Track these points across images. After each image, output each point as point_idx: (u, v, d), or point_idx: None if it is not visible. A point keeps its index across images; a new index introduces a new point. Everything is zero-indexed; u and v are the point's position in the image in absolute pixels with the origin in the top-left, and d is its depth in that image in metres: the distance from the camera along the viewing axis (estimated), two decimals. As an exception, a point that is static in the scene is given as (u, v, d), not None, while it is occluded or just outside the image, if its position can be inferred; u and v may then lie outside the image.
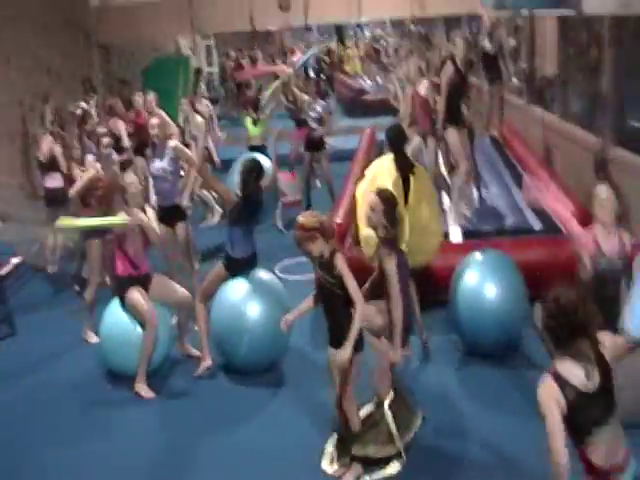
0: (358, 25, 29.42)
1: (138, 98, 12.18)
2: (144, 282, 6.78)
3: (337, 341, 4.89)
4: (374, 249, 5.41)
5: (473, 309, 6.59)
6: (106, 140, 8.33)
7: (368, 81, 23.72)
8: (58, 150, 9.57)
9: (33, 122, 13.19)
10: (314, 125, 11.59)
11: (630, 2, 7.50)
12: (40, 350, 7.74)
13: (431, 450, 5.43)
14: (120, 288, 6.80)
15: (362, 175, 7.13)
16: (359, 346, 4.94)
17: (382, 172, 6.75)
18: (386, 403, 5.22)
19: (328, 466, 5.27)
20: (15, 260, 9.84)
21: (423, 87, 10.24)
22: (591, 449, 3.37)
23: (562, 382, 3.31)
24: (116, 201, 6.80)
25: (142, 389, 6.62)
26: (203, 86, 20.02)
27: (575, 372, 3.32)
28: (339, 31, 29.90)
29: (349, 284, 4.76)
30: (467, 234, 8.59)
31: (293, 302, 5.63)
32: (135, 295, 6.67)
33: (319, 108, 11.65)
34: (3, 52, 12.89)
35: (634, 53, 8.98)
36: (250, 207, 6.80)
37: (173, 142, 8.07)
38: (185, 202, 8.38)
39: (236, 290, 6.74)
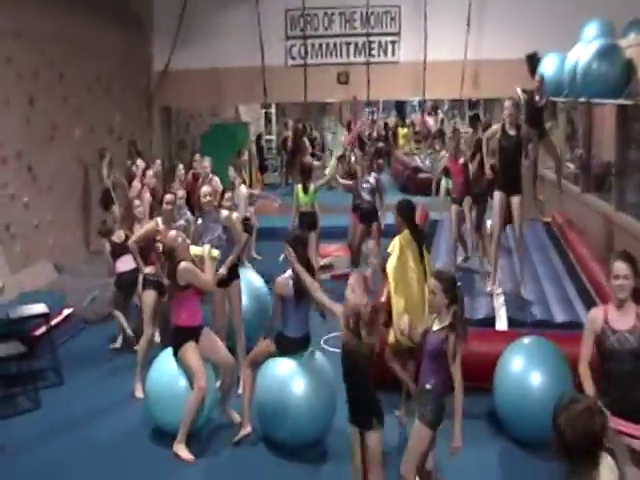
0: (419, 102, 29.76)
1: (194, 163, 12.52)
2: (199, 335, 6.81)
3: (362, 418, 4.89)
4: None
5: (517, 395, 6.55)
6: (168, 197, 8.47)
7: (423, 160, 23.95)
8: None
9: (93, 178, 13.52)
10: (367, 197, 11.69)
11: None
12: (86, 402, 7.81)
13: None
14: (178, 339, 6.78)
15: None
16: (382, 421, 4.93)
17: (402, 245, 6.88)
18: None
19: None
20: (67, 311, 9.97)
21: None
22: None
23: None
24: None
25: (181, 450, 6.59)
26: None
27: None
28: (399, 107, 30.28)
29: None
30: (512, 322, 8.46)
31: (338, 376, 5.49)
32: (190, 351, 6.67)
33: (372, 180, 11.76)
34: (73, 112, 13.28)
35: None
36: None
37: (227, 212, 8.26)
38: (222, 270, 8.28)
39: (284, 363, 6.67)
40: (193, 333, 6.75)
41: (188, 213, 9.62)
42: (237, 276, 8.22)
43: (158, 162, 12.86)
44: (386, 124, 26.56)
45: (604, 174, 12.58)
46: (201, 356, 6.75)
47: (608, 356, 4.73)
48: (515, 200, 8.96)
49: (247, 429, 6.82)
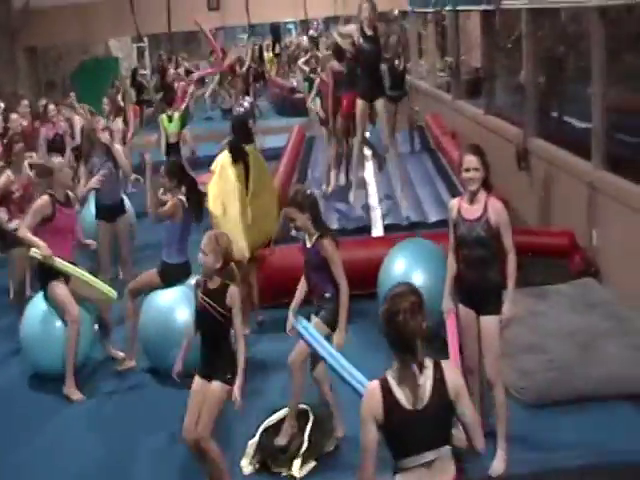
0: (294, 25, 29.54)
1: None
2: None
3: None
4: None
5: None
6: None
7: (299, 81, 23.82)
8: None
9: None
10: None
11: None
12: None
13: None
14: (43, 278, 6.56)
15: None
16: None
17: (225, 164, 7.14)
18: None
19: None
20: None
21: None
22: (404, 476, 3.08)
23: (387, 394, 3.01)
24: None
25: (73, 393, 6.47)
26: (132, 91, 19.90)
27: (402, 386, 3.02)
28: (275, 32, 29.87)
29: None
30: (387, 228, 8.65)
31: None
32: (58, 287, 6.48)
33: (246, 103, 11.82)
34: None
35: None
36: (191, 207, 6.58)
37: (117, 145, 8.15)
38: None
39: (168, 292, 6.60)
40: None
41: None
42: (124, 211, 8.10)
43: (25, 102, 12.36)
44: (260, 47, 26.23)
45: (473, 80, 12.88)
46: (76, 294, 6.55)
47: (461, 243, 4.92)
48: (379, 103, 8.93)
49: (132, 362, 6.78)
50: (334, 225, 8.43)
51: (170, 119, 11.04)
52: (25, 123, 11.13)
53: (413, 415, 2.99)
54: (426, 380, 3.02)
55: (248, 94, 11.97)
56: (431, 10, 14.38)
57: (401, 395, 3.00)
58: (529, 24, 9.27)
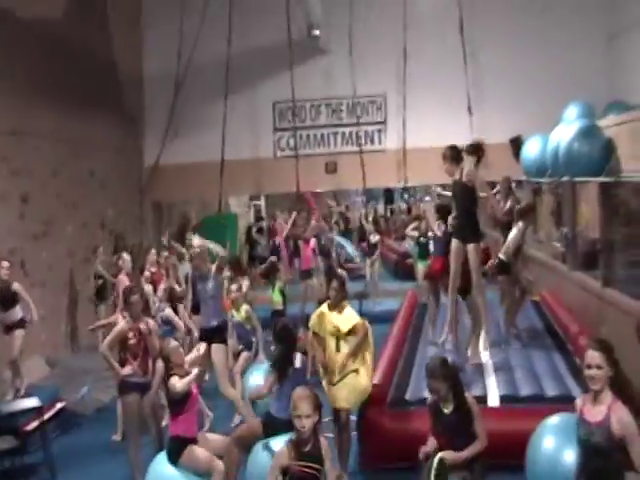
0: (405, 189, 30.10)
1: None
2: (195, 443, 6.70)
3: None
4: None
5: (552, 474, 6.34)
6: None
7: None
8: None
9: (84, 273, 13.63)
10: None
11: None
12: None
13: None
14: (175, 448, 6.61)
15: None
16: None
17: None
18: None
19: None
20: (59, 405, 9.90)
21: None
22: None
23: None
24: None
25: None
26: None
27: None
28: (388, 194, 30.64)
29: None
30: (503, 399, 8.44)
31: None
32: (195, 452, 6.55)
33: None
34: (66, 207, 13.51)
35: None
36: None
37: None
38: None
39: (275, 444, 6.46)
40: (190, 442, 6.64)
41: (167, 309, 9.56)
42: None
43: (153, 251, 13.03)
44: (375, 211, 26.96)
45: (590, 252, 12.73)
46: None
47: (581, 446, 4.48)
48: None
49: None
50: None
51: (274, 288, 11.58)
52: (154, 270, 11.77)
53: None
54: None
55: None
56: (547, 180, 14.46)
57: None
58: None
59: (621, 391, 4.34)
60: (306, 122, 16.86)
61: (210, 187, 16.47)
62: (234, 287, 9.96)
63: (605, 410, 4.33)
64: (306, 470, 4.64)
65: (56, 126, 13.08)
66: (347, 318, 7.41)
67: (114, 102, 15.74)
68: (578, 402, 4.61)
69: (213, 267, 8.71)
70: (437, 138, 14.52)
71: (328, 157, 16.74)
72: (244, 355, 9.78)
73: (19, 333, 9.97)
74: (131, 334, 7.84)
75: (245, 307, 9.92)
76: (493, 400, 8.41)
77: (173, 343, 6.92)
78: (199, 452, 6.59)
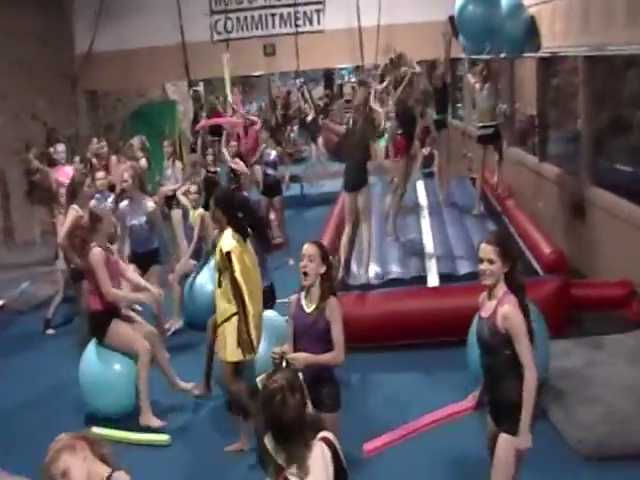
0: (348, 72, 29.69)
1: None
2: (119, 315, 6.75)
3: None
4: None
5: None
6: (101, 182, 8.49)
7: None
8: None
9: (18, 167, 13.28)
10: (269, 170, 12.12)
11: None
12: (17, 391, 7.64)
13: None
14: (98, 325, 6.67)
15: None
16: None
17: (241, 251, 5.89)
18: None
19: None
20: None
21: None
22: None
23: None
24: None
25: (151, 420, 6.56)
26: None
27: None
28: (328, 78, 30.23)
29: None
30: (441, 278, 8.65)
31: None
32: (118, 328, 6.59)
33: (273, 154, 12.21)
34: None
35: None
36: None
37: (151, 205, 8.38)
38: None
39: None
40: (113, 315, 6.67)
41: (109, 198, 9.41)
42: (158, 262, 8.44)
43: (95, 140, 12.71)
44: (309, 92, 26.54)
45: (527, 128, 12.83)
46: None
47: (477, 343, 4.30)
48: None
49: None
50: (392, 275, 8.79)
51: None
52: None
53: None
54: None
55: (280, 144, 12.24)
56: (486, 57, 14.36)
57: None
58: (585, 71, 9.25)
59: (518, 290, 4.11)
60: (243, 3, 16.33)
61: (148, 74, 16.03)
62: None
63: (495, 305, 4.11)
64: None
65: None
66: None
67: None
68: (480, 298, 4.32)
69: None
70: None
71: (266, 39, 16.31)
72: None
73: None
74: (84, 221, 7.71)
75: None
76: (433, 280, 8.60)
77: (106, 210, 6.92)
78: (121, 328, 6.62)
